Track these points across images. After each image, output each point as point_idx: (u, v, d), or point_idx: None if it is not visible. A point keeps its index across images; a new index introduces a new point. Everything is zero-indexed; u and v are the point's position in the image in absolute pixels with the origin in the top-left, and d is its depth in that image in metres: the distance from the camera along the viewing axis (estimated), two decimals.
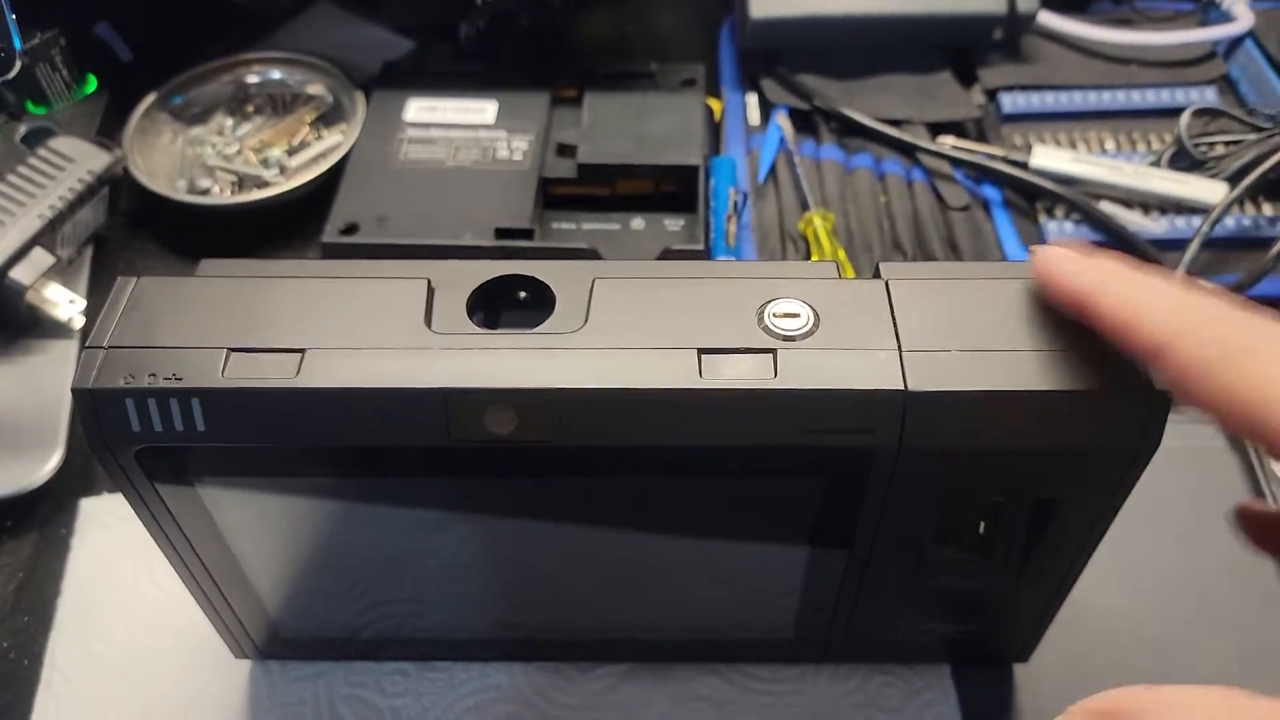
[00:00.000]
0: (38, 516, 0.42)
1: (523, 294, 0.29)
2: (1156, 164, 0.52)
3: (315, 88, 0.56)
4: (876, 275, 0.28)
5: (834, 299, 0.27)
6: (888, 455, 0.27)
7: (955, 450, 0.27)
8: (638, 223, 0.51)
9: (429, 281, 0.28)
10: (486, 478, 0.28)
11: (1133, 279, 0.25)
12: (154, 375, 0.26)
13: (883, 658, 0.37)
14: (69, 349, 0.46)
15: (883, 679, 0.37)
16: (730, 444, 0.26)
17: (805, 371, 0.25)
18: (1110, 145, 0.54)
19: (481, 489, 0.29)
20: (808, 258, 0.50)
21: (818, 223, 0.50)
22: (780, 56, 0.58)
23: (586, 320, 0.27)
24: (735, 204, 0.50)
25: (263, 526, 0.31)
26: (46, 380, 0.45)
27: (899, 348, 0.26)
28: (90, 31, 0.58)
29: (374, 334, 0.26)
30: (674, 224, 0.51)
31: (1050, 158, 0.52)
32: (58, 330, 0.46)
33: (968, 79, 0.58)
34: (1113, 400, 0.26)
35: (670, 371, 0.26)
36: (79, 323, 0.46)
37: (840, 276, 0.28)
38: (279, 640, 0.36)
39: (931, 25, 0.57)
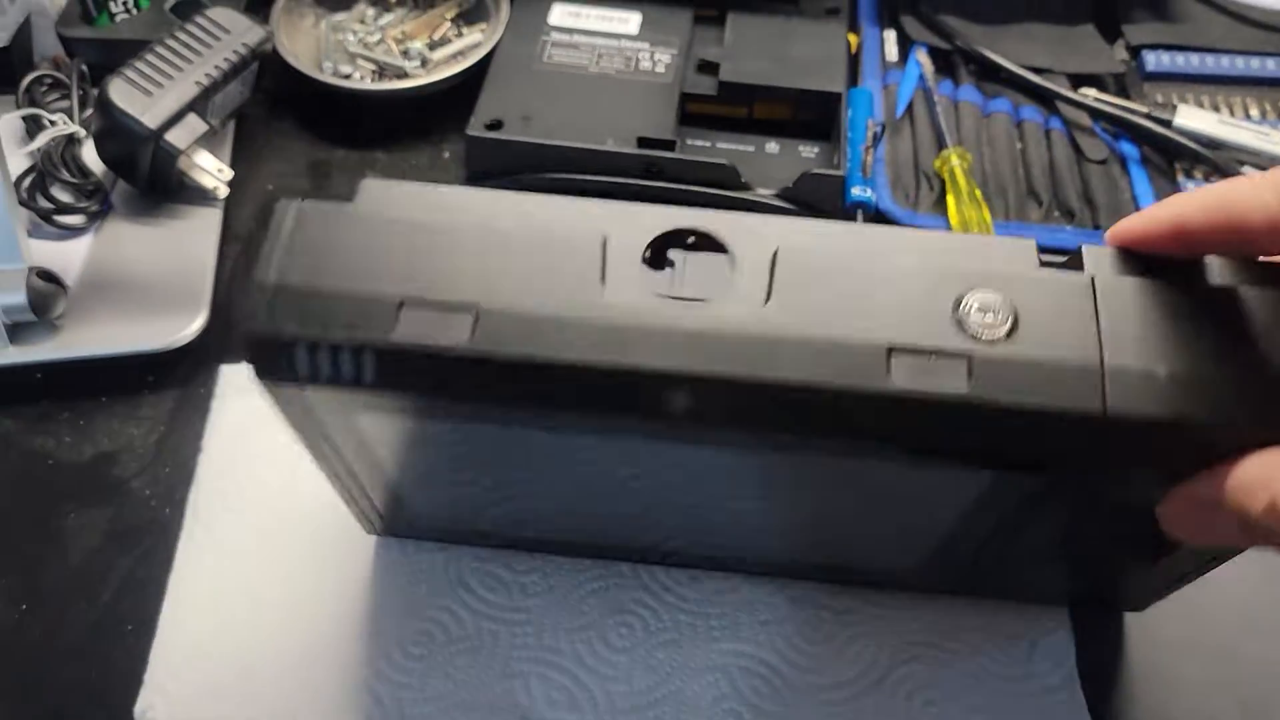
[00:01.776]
0: (179, 376, 0.44)
1: (691, 240, 0.27)
2: None
3: None
4: (1077, 260, 0.27)
5: (1035, 293, 0.25)
6: (1065, 478, 0.26)
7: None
8: (773, 146, 0.51)
9: (604, 237, 0.26)
10: (654, 442, 0.28)
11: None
12: (325, 326, 0.25)
13: (1005, 595, 0.38)
14: (214, 216, 0.47)
15: (1001, 605, 0.38)
16: (908, 445, 0.26)
17: (999, 383, 0.24)
18: (1255, 112, 0.53)
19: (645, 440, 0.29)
20: (943, 196, 0.50)
21: (955, 161, 0.49)
22: None
23: (769, 297, 0.25)
24: (874, 134, 0.50)
25: (414, 445, 0.31)
26: (193, 245, 0.46)
27: (1101, 362, 0.24)
28: None
29: (549, 292, 0.25)
30: (809, 150, 0.51)
31: (1195, 118, 0.51)
32: (202, 198, 0.47)
33: (1111, 33, 0.57)
34: None
35: (858, 370, 0.24)
36: (224, 192, 0.47)
37: (1039, 257, 0.27)
38: (412, 527, 0.37)
39: None
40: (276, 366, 0.25)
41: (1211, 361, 0.24)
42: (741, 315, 0.25)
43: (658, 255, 0.27)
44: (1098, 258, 0.26)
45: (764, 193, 0.48)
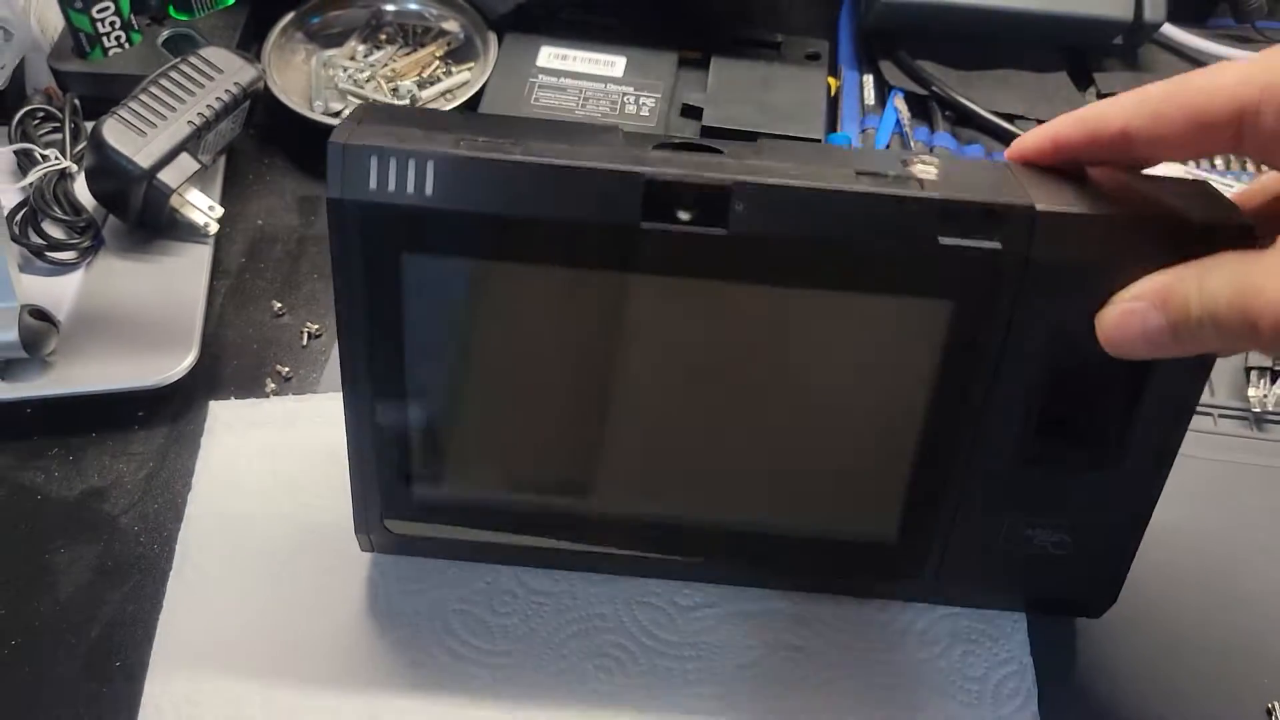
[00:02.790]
0: (169, 412, 0.45)
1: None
2: None
3: (449, 23, 0.57)
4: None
5: (963, 163, 0.33)
6: (1014, 271, 0.31)
7: (1072, 272, 0.31)
8: None
9: (620, 130, 0.34)
10: (664, 274, 0.32)
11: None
12: (398, 140, 0.30)
13: (970, 599, 0.40)
14: (204, 252, 0.48)
15: (965, 647, 0.39)
16: (877, 248, 0.31)
17: (946, 188, 0.31)
18: (1219, 162, 0.55)
19: (654, 294, 0.33)
20: None
21: None
22: (900, 40, 0.59)
23: (759, 155, 0.32)
24: None
25: (441, 325, 0.34)
26: (183, 281, 0.47)
27: (1025, 188, 0.31)
28: None
29: (583, 142, 0.32)
30: None
31: (1164, 169, 0.53)
32: (193, 234, 0.48)
33: (1083, 82, 0.59)
34: (1212, 231, 0.30)
35: (834, 178, 0.31)
36: (214, 229, 0.48)
37: None
38: (411, 506, 0.38)
39: (1055, 24, 0.58)
40: (350, 176, 0.31)
41: (1115, 194, 0.31)
42: (738, 160, 0.31)
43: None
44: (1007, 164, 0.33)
45: None
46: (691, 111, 0.53)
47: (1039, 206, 0.30)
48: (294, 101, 0.53)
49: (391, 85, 0.55)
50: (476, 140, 0.31)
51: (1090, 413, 0.35)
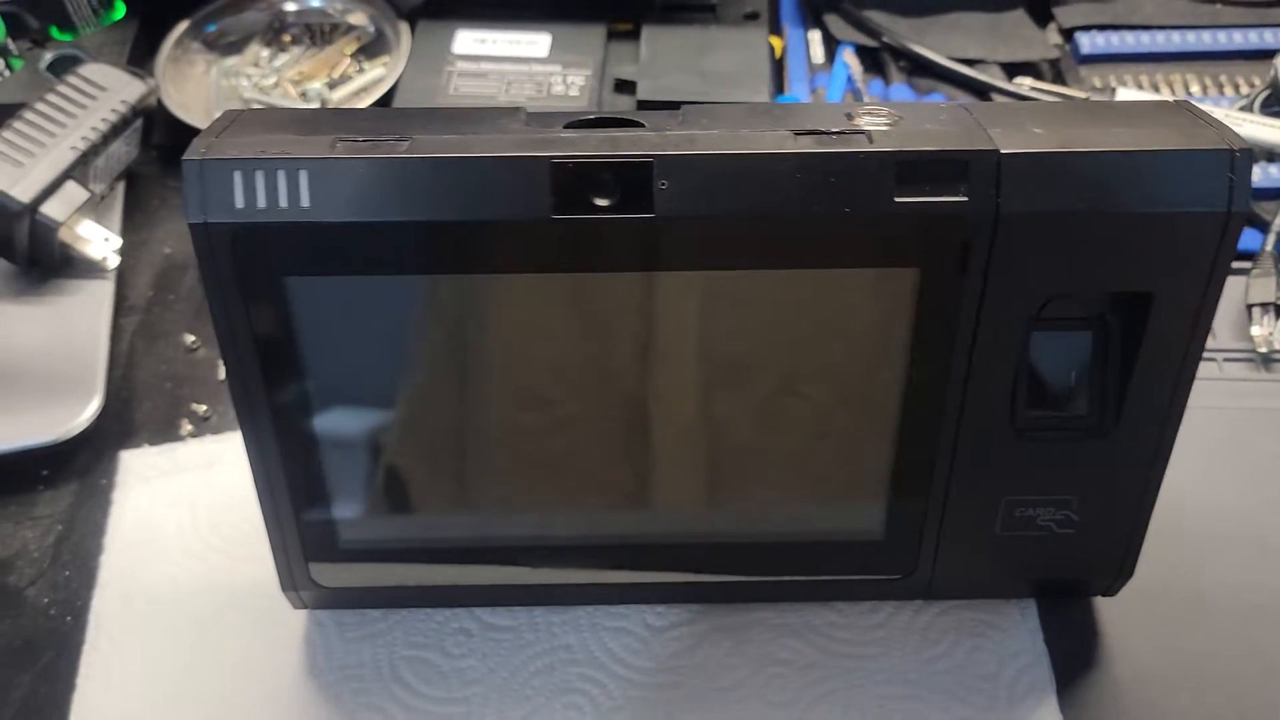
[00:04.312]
0: (76, 467, 0.40)
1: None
2: (1248, 109, 0.49)
3: (356, 17, 0.53)
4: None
5: (916, 110, 0.28)
6: (983, 226, 0.27)
7: (1046, 221, 0.27)
8: None
9: (524, 111, 0.29)
10: (585, 270, 0.28)
11: None
12: (262, 149, 0.26)
13: (971, 591, 0.36)
14: (105, 288, 0.44)
15: (972, 643, 0.35)
16: (828, 217, 0.27)
17: (899, 140, 0.27)
18: (1196, 88, 0.51)
19: (580, 292, 0.29)
20: None
21: None
22: None
23: (683, 124, 0.28)
24: None
25: (343, 348, 0.30)
26: (83, 322, 0.43)
27: (984, 130, 0.27)
28: None
29: (478, 129, 0.28)
30: None
31: (1135, 99, 0.49)
32: (91, 270, 0.44)
33: (1042, 18, 0.55)
34: (1195, 158, 0.27)
35: (767, 142, 0.27)
36: (114, 262, 0.44)
37: None
38: (338, 551, 0.34)
39: None
40: (212, 197, 0.26)
41: (1077, 124, 0.28)
42: (659, 133, 0.28)
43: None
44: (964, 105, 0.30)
45: None
46: (625, 86, 0.49)
47: (1004, 150, 0.27)
48: (193, 117, 0.49)
49: (300, 89, 0.50)
50: (356, 140, 0.27)
51: (1083, 375, 0.31)
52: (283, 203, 0.27)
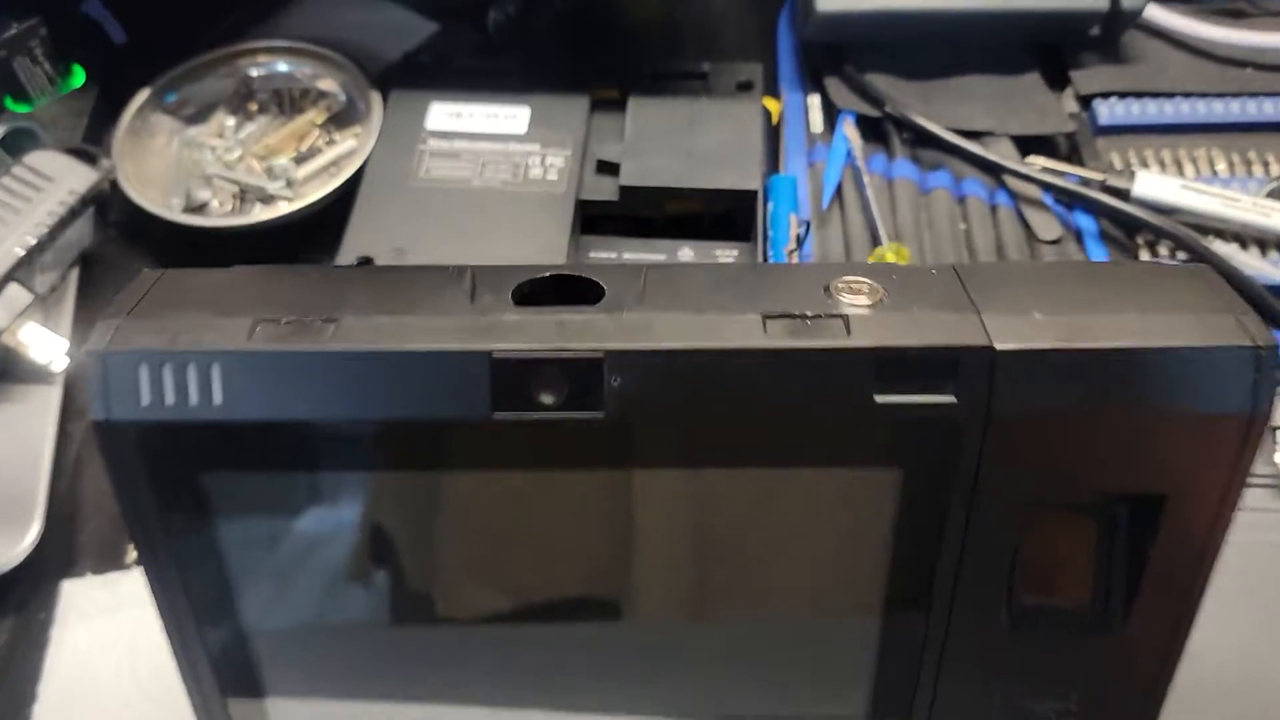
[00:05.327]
0: (11, 602, 0.38)
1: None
2: (1278, 193, 0.45)
3: (327, 83, 0.50)
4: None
5: (902, 279, 0.26)
6: (974, 429, 0.24)
7: (1045, 423, 0.25)
8: (685, 253, 0.45)
9: (472, 273, 0.26)
10: (529, 469, 0.26)
11: None
12: (171, 339, 0.24)
13: None
14: (50, 396, 0.41)
15: None
16: (799, 416, 0.24)
17: (881, 331, 0.24)
18: (1222, 166, 0.48)
19: (522, 491, 0.27)
20: None
21: (890, 258, 0.44)
22: (847, 52, 0.52)
23: (643, 298, 0.25)
24: (798, 237, 0.44)
25: (269, 542, 0.27)
26: (24, 434, 0.40)
27: (978, 312, 0.24)
28: (77, 10, 0.52)
29: (414, 308, 0.25)
30: (727, 253, 0.45)
31: (1155, 186, 0.46)
32: (37, 375, 0.41)
33: (1058, 82, 0.51)
34: (1215, 356, 0.24)
35: (733, 333, 0.24)
36: (60, 365, 0.41)
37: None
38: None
39: (1019, 20, 0.50)
40: (116, 393, 0.24)
41: (1081, 304, 0.25)
42: (614, 313, 0.25)
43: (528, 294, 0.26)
44: (960, 267, 0.27)
45: None
46: (607, 168, 0.46)
47: (999, 345, 0.24)
48: (152, 194, 0.46)
49: (265, 164, 0.48)
50: (278, 323, 0.24)
51: (1087, 565, 0.28)
52: (194, 399, 0.24)
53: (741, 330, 0.24)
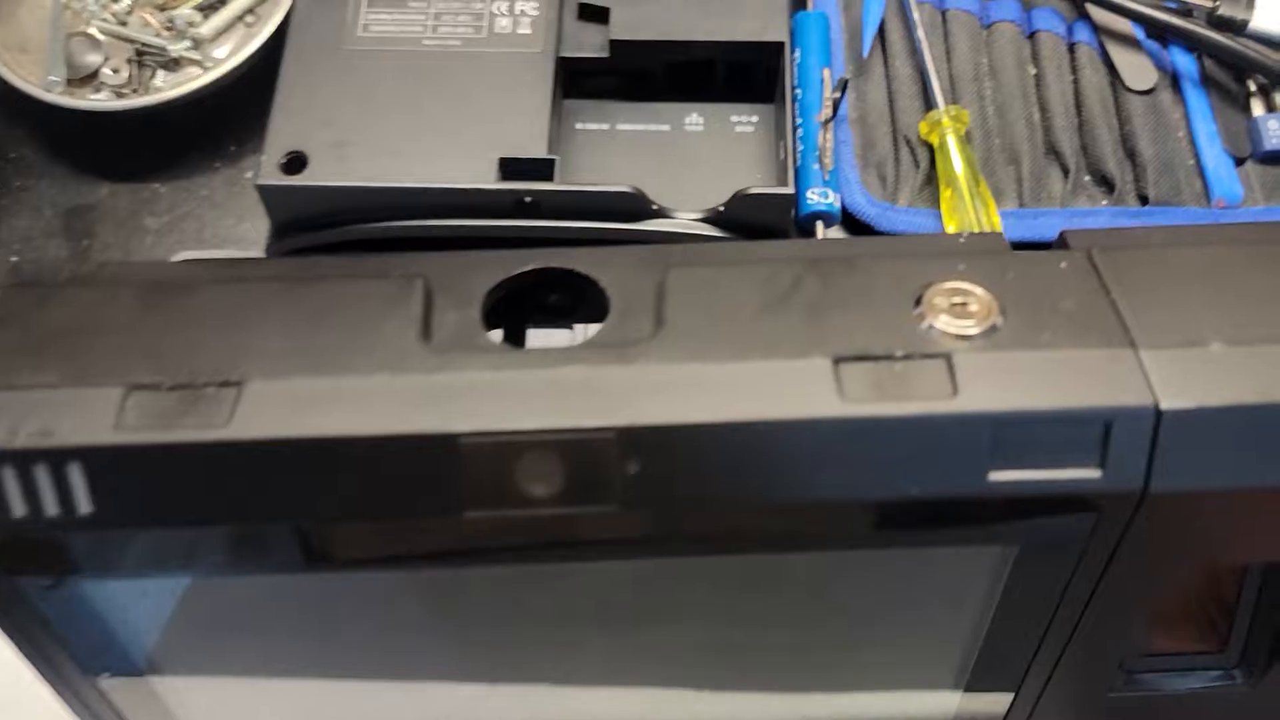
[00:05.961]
0: None
1: (554, 297, 0.20)
2: None
3: None
4: (1063, 246, 0.20)
5: (1021, 279, 0.19)
6: (1120, 508, 0.18)
7: (1212, 495, 0.18)
8: (695, 120, 0.37)
9: (425, 281, 0.19)
10: (505, 564, 0.20)
11: None
12: (13, 430, 0.17)
13: None
14: None
15: None
16: (885, 500, 0.18)
17: (999, 382, 0.17)
18: None
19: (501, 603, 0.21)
20: (931, 171, 0.36)
21: (947, 126, 0.35)
22: None
23: (660, 323, 0.18)
24: (834, 100, 0.36)
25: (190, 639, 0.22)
26: None
27: (1133, 344, 0.18)
28: None
29: (345, 358, 0.18)
30: (745, 122, 0.36)
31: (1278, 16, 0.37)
32: None
33: None
34: None
35: (795, 393, 0.17)
36: None
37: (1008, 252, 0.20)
38: None
39: None
40: None
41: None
42: (622, 352, 0.18)
43: (506, 307, 0.20)
44: (1082, 238, 0.20)
45: (685, 218, 0.34)
46: (592, 13, 0.36)
47: (1165, 404, 0.17)
48: (24, 70, 0.37)
49: (165, 19, 0.38)
50: (159, 389, 0.17)
51: (1231, 612, 0.22)
52: (50, 509, 0.18)
53: (805, 383, 0.17)
